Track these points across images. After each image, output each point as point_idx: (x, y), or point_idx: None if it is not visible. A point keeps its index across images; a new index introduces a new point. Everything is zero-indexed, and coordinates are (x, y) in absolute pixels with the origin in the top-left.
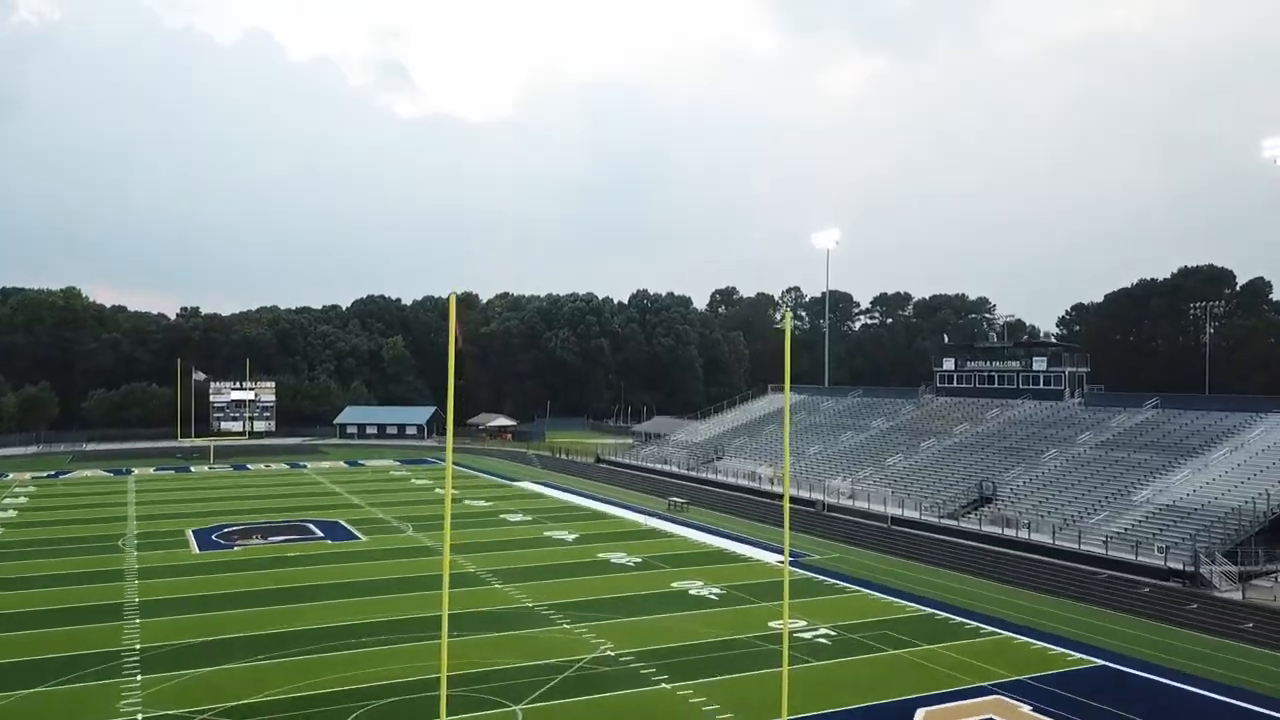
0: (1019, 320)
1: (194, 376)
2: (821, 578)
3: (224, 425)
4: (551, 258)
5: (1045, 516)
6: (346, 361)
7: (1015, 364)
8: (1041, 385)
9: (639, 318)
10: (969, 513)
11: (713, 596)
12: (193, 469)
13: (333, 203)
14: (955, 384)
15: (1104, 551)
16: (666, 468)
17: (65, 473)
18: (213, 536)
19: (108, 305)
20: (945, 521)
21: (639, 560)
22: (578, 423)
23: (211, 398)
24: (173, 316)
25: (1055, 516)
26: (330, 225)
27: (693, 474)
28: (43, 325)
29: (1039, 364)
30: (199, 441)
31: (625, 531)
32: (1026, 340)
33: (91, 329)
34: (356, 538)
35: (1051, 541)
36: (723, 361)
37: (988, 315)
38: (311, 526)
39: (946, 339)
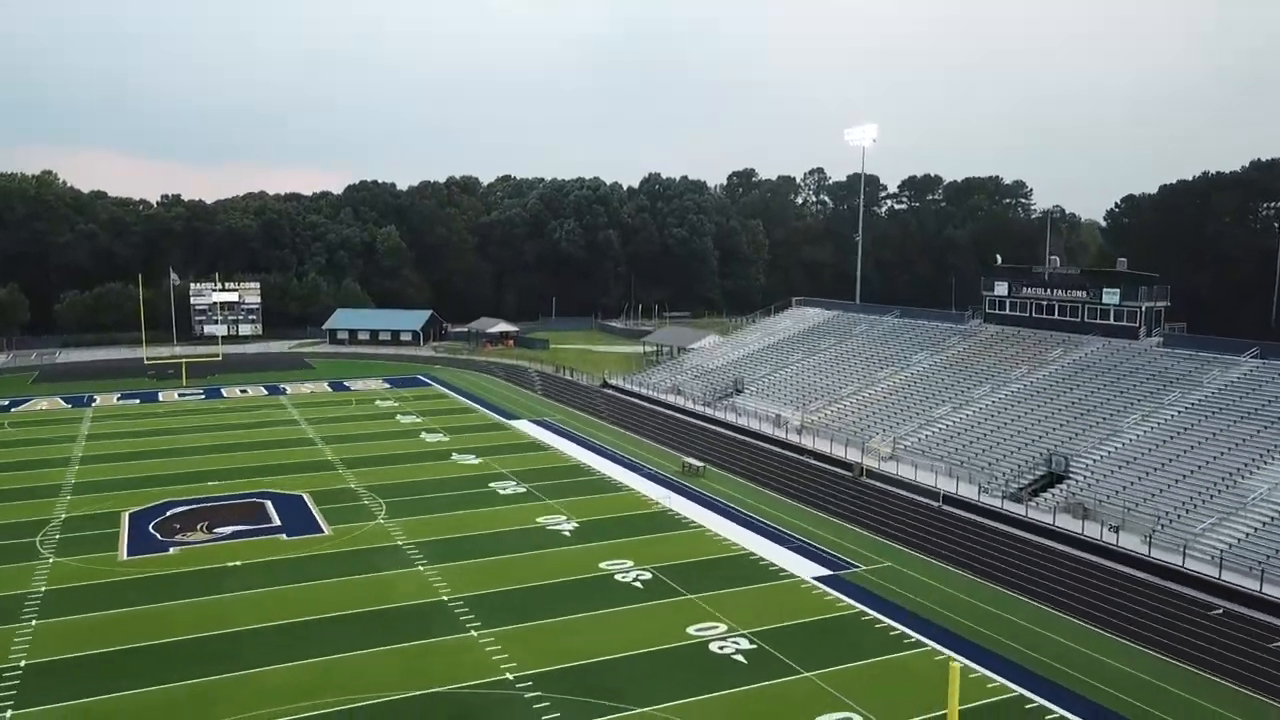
0: (1060, 209)
1: (171, 279)
2: (878, 618)
3: (207, 329)
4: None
5: (1134, 510)
6: (338, 255)
7: (1081, 294)
8: (1112, 320)
9: (649, 205)
10: (1037, 493)
11: (741, 658)
12: (161, 396)
13: (330, 81)
14: (1008, 311)
15: (1217, 574)
16: (680, 402)
17: (22, 401)
18: (150, 527)
19: (85, 190)
20: (1009, 506)
21: (648, 578)
22: (584, 323)
23: (192, 300)
24: (154, 203)
25: (1146, 512)
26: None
27: (709, 413)
28: (14, 216)
29: (1110, 296)
30: (178, 350)
31: (634, 519)
32: (1095, 269)
33: (67, 218)
34: (319, 529)
35: (1146, 551)
36: (740, 253)
37: (1023, 200)
38: (269, 508)
39: (1000, 260)
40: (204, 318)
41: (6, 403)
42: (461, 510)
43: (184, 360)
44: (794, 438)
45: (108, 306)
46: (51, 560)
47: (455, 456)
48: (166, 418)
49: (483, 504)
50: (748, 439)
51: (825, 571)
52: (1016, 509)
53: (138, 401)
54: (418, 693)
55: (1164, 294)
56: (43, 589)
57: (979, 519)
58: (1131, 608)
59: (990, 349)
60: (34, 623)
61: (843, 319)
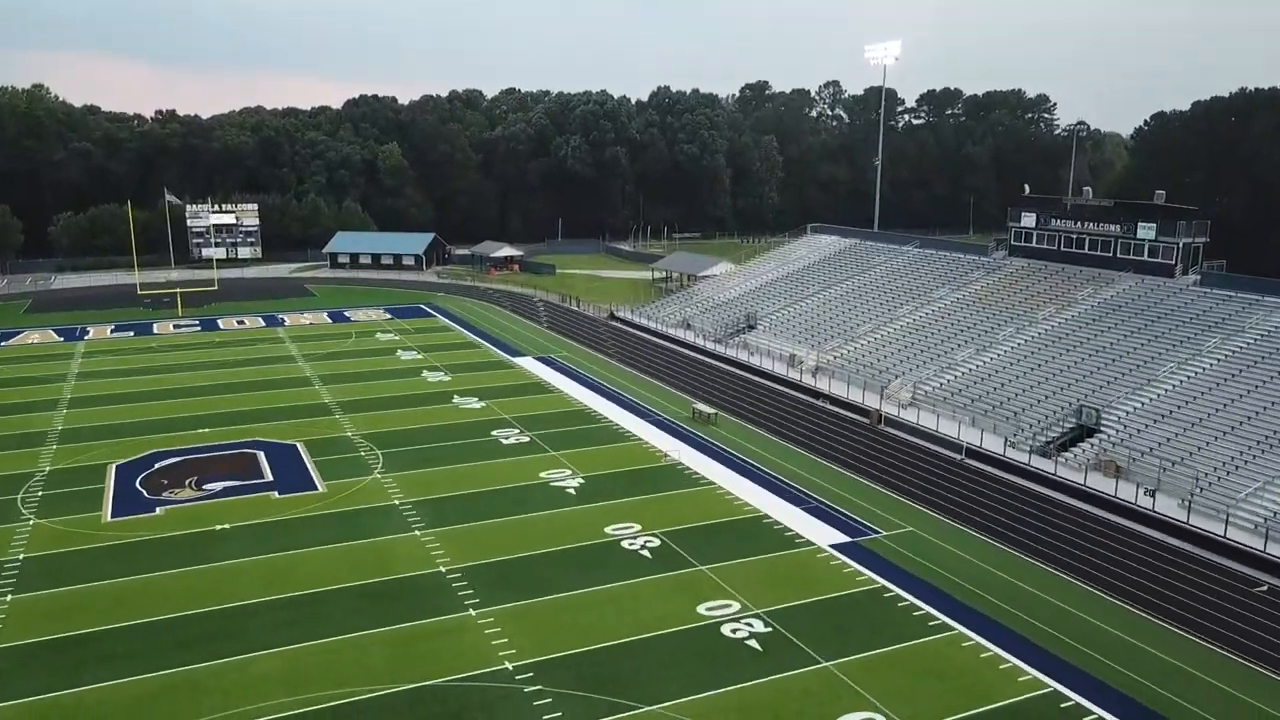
0: (1084, 125)
1: (167, 199)
2: (900, 594)
3: (205, 252)
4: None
5: (1171, 469)
6: (338, 174)
7: (1114, 228)
8: (1146, 256)
9: (659, 121)
10: (1065, 447)
11: (755, 644)
12: (156, 328)
13: None
14: (1035, 244)
15: (1262, 546)
16: (690, 338)
17: (13, 334)
18: (137, 483)
19: (77, 105)
20: (1037, 462)
21: (656, 544)
22: (591, 246)
23: (189, 222)
24: (149, 118)
25: (1184, 472)
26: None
27: (720, 351)
28: (4, 134)
29: (1145, 231)
30: (174, 275)
31: (642, 474)
32: (1130, 201)
33: (60, 135)
34: (312, 486)
35: (1185, 518)
36: (753, 171)
37: (1046, 116)
38: (261, 460)
39: (1028, 190)
40: (201, 240)
41: None
42: (462, 463)
43: (179, 291)
44: (809, 380)
45: (103, 229)
46: (32, 522)
47: (456, 399)
48: (160, 354)
49: (484, 456)
50: (760, 380)
51: (843, 538)
52: (1044, 465)
53: (132, 334)
54: (410, 686)
55: (1203, 229)
56: (20, 557)
57: (1004, 475)
58: (1170, 583)
59: (1015, 285)
60: (9, 598)
61: (860, 249)
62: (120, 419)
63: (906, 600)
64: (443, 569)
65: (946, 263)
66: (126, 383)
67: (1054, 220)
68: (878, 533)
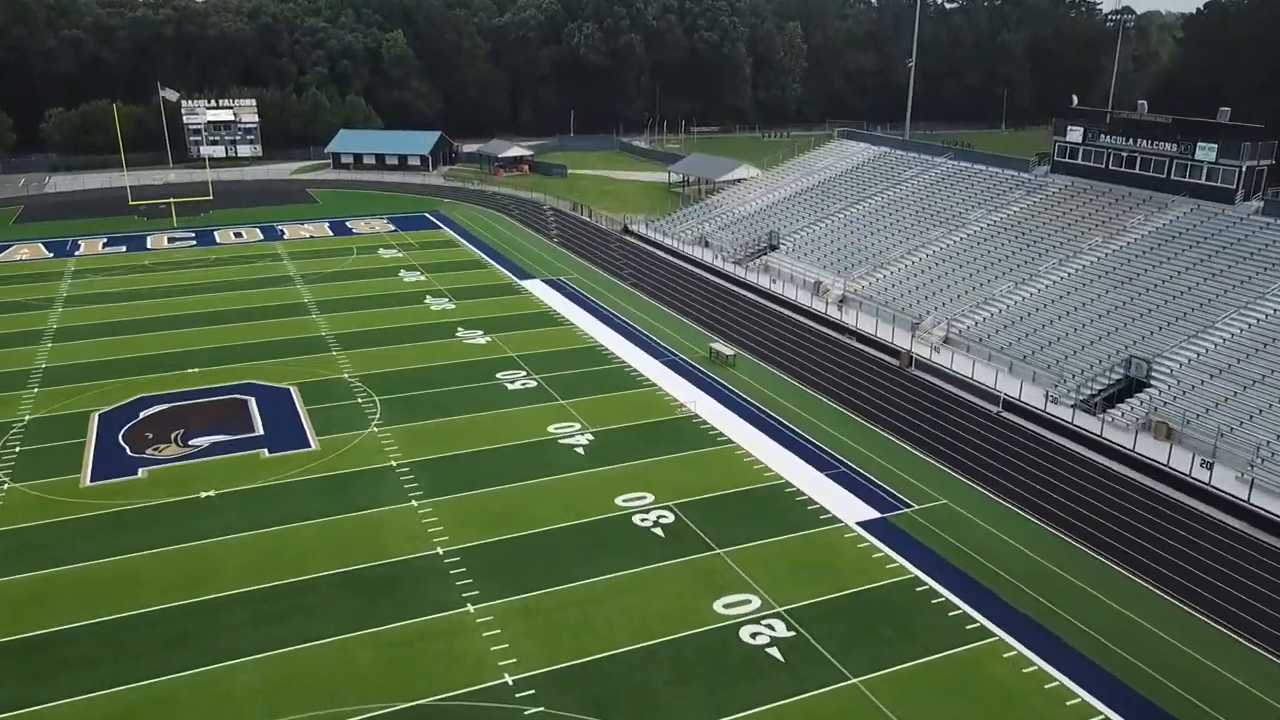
0: (1129, 10)
1: (162, 94)
2: (934, 588)
3: (203, 150)
4: None
5: (1228, 435)
6: (341, 65)
7: (1170, 147)
8: (1204, 179)
9: (677, 6)
10: (1113, 402)
11: (777, 654)
12: (149, 241)
13: None
14: (1082, 160)
15: None
16: (708, 259)
17: (2, 248)
18: (120, 436)
19: None
20: (1081, 420)
21: (670, 520)
22: (605, 142)
23: (185, 119)
24: (141, 2)
25: (1243, 439)
26: None
27: (740, 275)
28: None
29: (1204, 152)
30: (171, 176)
31: (656, 429)
32: (1189, 118)
33: (49, 22)
34: (305, 443)
35: (1245, 495)
36: (775, 61)
37: (1088, 1)
38: (252, 408)
39: (1076, 100)
40: (199, 138)
41: None
42: (465, 414)
43: (172, 201)
44: (834, 312)
45: (95, 126)
46: (6, 487)
47: (460, 333)
48: (152, 274)
49: (489, 404)
50: (783, 312)
51: (872, 513)
52: (1089, 424)
53: (124, 249)
54: (402, 706)
55: (1269, 151)
56: None
57: (1044, 434)
58: (1232, 577)
59: (1059, 207)
60: None
61: (890, 160)
62: (107, 355)
63: (941, 596)
64: (440, 550)
65: (983, 179)
66: (115, 310)
67: (1103, 135)
68: (909, 506)
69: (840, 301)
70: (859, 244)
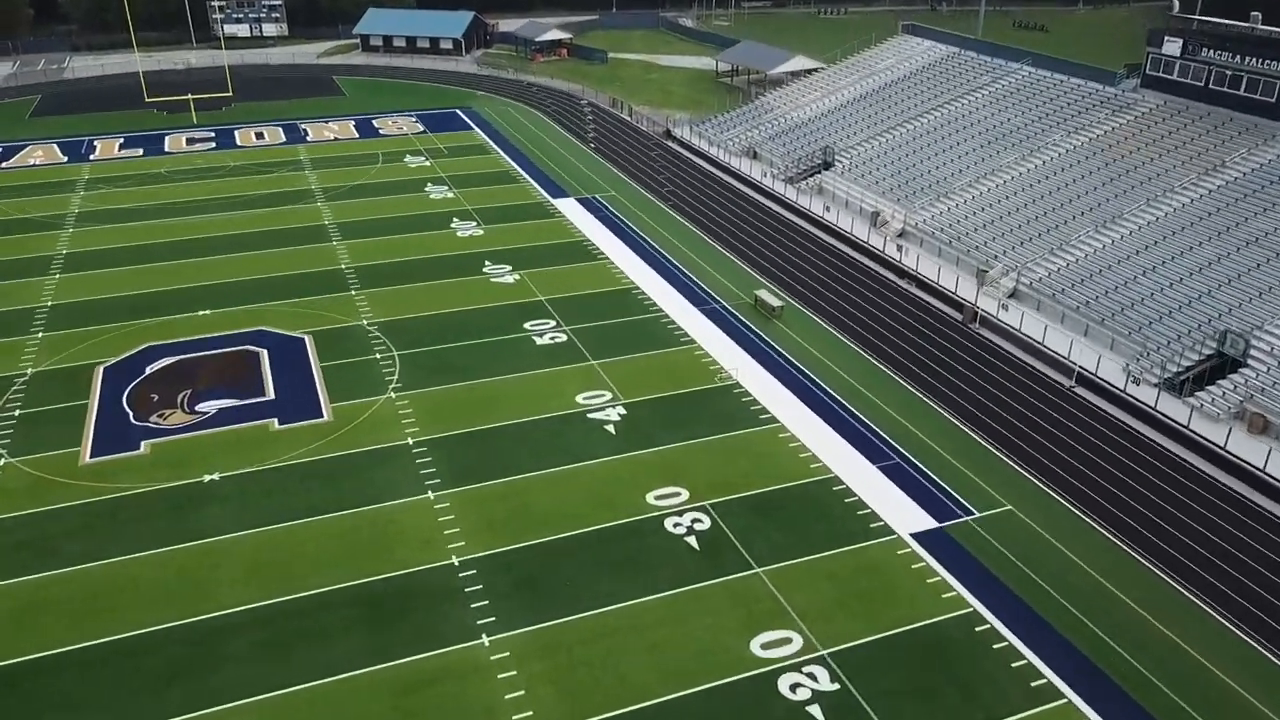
0: None
1: None
2: (997, 630)
3: (226, 29)
4: None
5: None
6: None
7: None
8: None
9: None
10: (1203, 382)
11: (818, 714)
12: (168, 143)
13: None
14: (1178, 76)
15: None
16: (756, 175)
17: (16, 149)
18: (124, 399)
19: None
20: (1166, 405)
21: (706, 527)
22: (649, 19)
23: None
24: None
25: None
26: None
27: (791, 199)
28: None
29: None
30: (191, 57)
31: (694, 401)
32: None
33: None
34: (317, 411)
35: None
36: None
37: None
38: (263, 363)
39: (1176, 6)
40: (222, 14)
41: (0, 149)
42: (489, 376)
43: (190, 98)
44: (893, 251)
45: (114, 3)
46: (3, 462)
47: (488, 267)
48: (167, 185)
49: (515, 363)
50: (836, 247)
51: (928, 523)
52: (1175, 410)
53: (141, 153)
54: None
55: None
56: None
57: (1123, 419)
58: None
59: (1148, 132)
60: None
61: (959, 63)
62: (115, 290)
63: (1004, 640)
64: (455, 560)
65: (1063, 93)
66: (127, 232)
67: (1204, 49)
68: (969, 514)
69: (899, 235)
70: (922, 167)
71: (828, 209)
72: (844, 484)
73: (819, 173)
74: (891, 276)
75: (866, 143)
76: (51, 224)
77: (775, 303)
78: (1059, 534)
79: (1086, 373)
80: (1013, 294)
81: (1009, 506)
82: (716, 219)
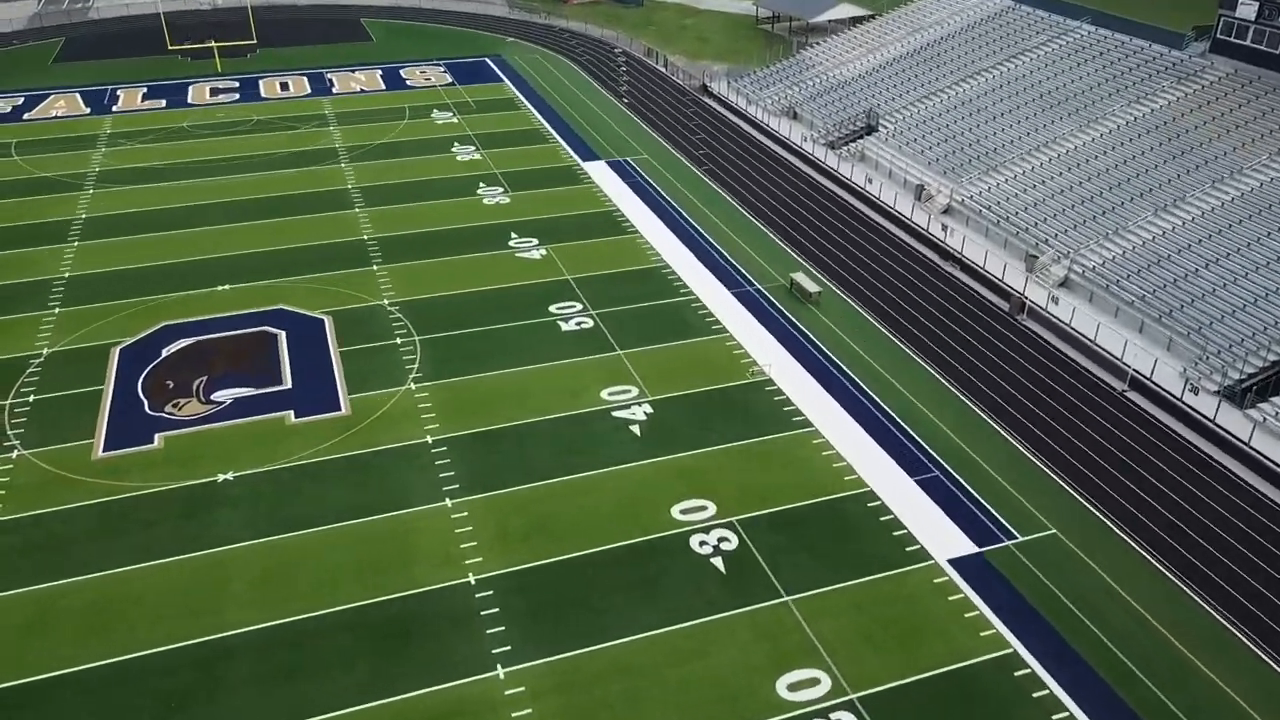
0: None
1: None
2: (1039, 677)
3: None
4: None
5: None
6: None
7: None
8: None
9: None
10: (1272, 390)
11: None
12: (190, 94)
13: None
14: (1251, 42)
15: None
16: (795, 139)
17: (38, 98)
18: (140, 386)
19: None
20: (1227, 417)
21: (733, 547)
22: None
23: None
24: None
25: None
26: None
27: (831, 167)
28: None
29: None
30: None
31: (724, 400)
32: None
33: None
34: (335, 405)
35: None
36: None
37: None
38: (281, 347)
39: None
40: None
41: (21, 100)
42: (511, 366)
43: (215, 45)
44: (937, 230)
45: None
46: (15, 455)
47: (514, 241)
48: (189, 142)
49: (540, 351)
50: (878, 222)
51: (967, 546)
52: (1236, 424)
53: (163, 104)
54: None
55: None
56: None
57: (1179, 432)
58: None
59: (1217, 104)
60: None
61: (1015, 19)
62: (134, 260)
63: (1044, 687)
64: (472, 579)
65: (1125, 55)
66: (147, 194)
67: None
68: (1011, 538)
69: (945, 212)
70: (971, 135)
71: (869, 180)
72: (879, 499)
73: (862, 138)
74: (935, 258)
75: (913, 106)
76: (72, 184)
77: (812, 288)
78: (1107, 564)
79: (1141, 376)
80: (1063, 283)
81: (1053, 530)
82: (752, 187)
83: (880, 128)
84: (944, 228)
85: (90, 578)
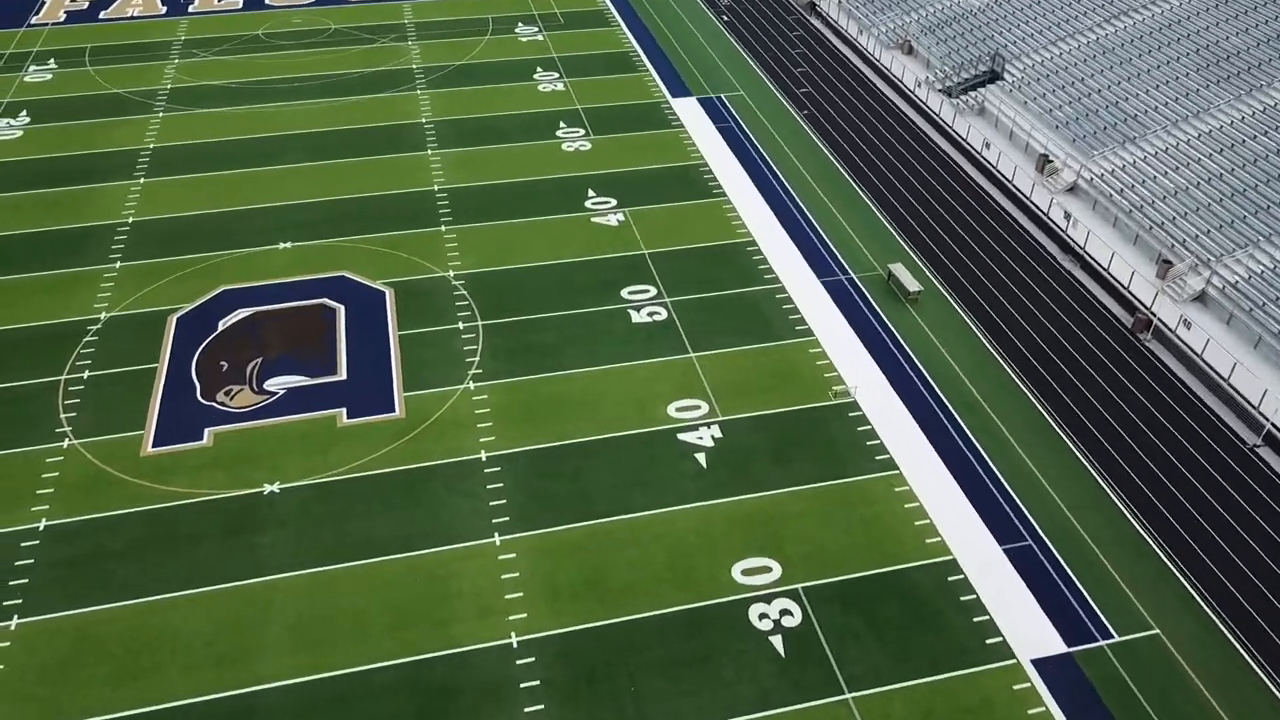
0: None
1: None
2: None
3: None
4: None
5: None
6: None
7: None
8: None
9: None
10: None
11: None
12: None
13: None
14: None
15: None
16: (908, 80)
17: None
18: (194, 366)
19: None
20: None
21: (795, 622)
22: None
23: None
24: None
25: None
26: None
27: (944, 120)
28: None
29: None
30: None
31: (802, 427)
32: None
33: None
34: (389, 404)
35: None
36: None
37: None
38: (339, 329)
39: None
40: None
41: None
42: (576, 366)
43: None
44: (1058, 215)
45: None
46: (66, 444)
47: (591, 200)
48: (262, 58)
49: (607, 348)
50: (990, 198)
51: (1055, 644)
52: None
53: (240, 5)
54: None
55: None
56: (41, 526)
57: None
58: None
59: None
60: (14, 624)
61: None
62: (198, 206)
63: None
64: (514, 641)
65: None
66: (215, 122)
67: None
68: (1108, 636)
69: (1069, 190)
70: (1109, 95)
71: (987, 145)
72: (962, 572)
73: (983, 85)
74: (1053, 251)
75: (1045, 50)
76: (141, 104)
77: (912, 286)
78: (1216, 681)
79: (1278, 432)
80: (1199, 297)
81: (1156, 630)
82: (855, 139)
83: (1005, 75)
84: (1066, 216)
85: (130, 604)
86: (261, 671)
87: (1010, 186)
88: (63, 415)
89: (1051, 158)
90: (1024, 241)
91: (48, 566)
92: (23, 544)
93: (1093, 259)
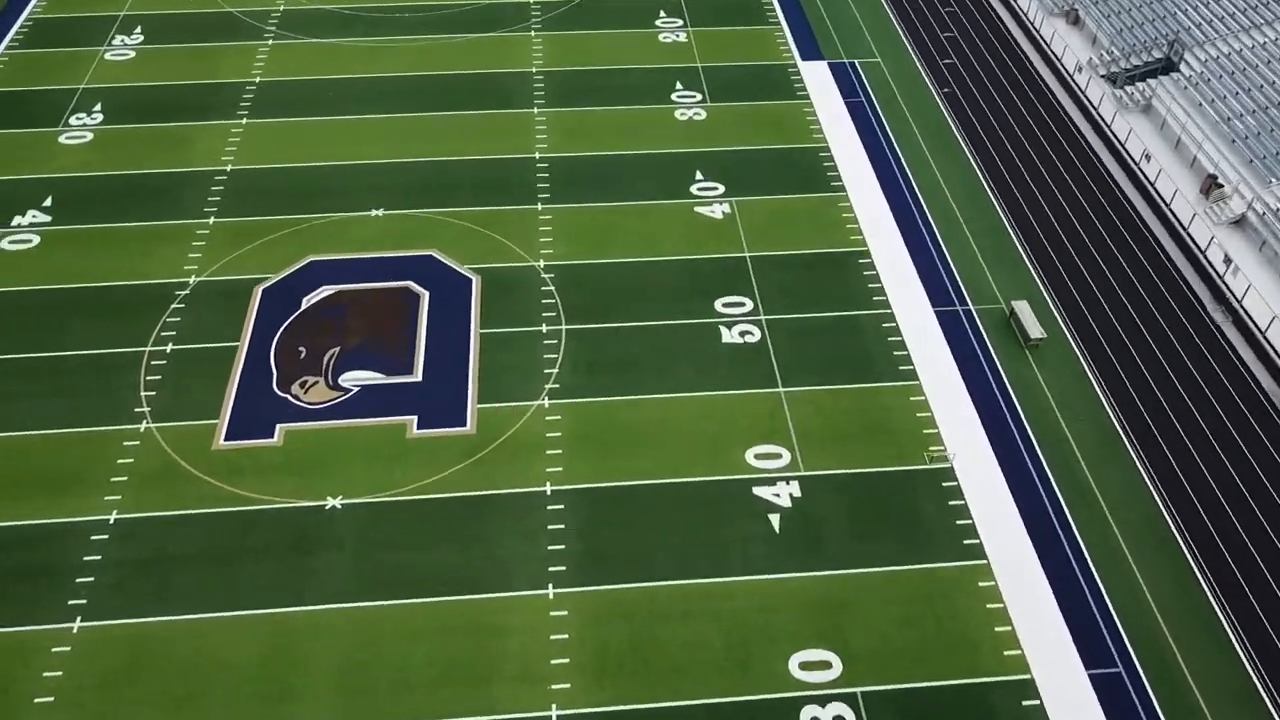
0: None
1: None
2: None
3: None
4: None
5: None
6: None
7: None
8: None
9: None
10: None
11: None
12: None
13: None
14: None
15: None
16: (1066, 64)
17: None
18: (273, 351)
19: None
20: None
21: None
22: None
23: None
24: None
25: None
26: None
27: (1103, 118)
28: None
29: None
30: None
31: (888, 490)
32: None
33: None
34: (461, 416)
35: None
36: None
37: None
38: (421, 317)
39: None
40: None
41: None
42: (658, 391)
43: None
44: (1216, 256)
45: None
46: (142, 428)
47: (698, 185)
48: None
49: (692, 370)
50: (1142, 222)
51: None
52: None
53: None
54: None
55: None
56: (112, 518)
57: None
58: None
59: None
60: (76, 626)
61: None
62: (296, 158)
63: None
64: (554, 715)
65: None
66: (323, 56)
67: None
68: None
69: (1236, 222)
70: None
71: (1147, 157)
72: (1038, 698)
73: (1155, 76)
74: (1204, 297)
75: (1235, 37)
76: (253, 28)
77: (1034, 331)
78: None
79: None
80: None
81: None
82: (996, 129)
83: (1181, 65)
84: (1227, 261)
85: (184, 620)
86: (300, 716)
87: (1167, 211)
88: (143, 393)
89: (1221, 180)
90: (1171, 282)
91: (114, 566)
92: (93, 537)
93: (1248, 316)
